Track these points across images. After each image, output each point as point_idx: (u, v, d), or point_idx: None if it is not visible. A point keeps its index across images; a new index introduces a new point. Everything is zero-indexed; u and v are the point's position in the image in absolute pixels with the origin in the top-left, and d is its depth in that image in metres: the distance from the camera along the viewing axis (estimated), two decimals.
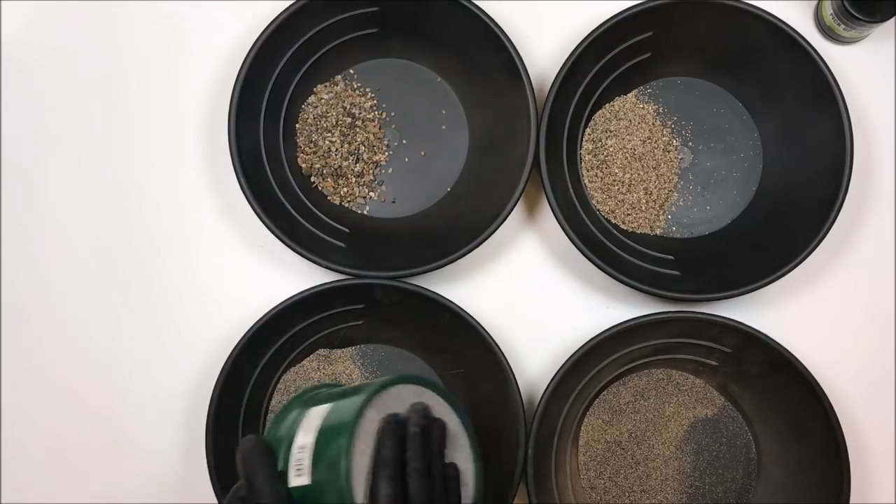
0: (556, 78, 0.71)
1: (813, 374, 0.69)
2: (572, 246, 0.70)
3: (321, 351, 0.75)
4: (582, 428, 0.74)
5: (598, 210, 0.75)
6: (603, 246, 0.72)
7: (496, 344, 0.70)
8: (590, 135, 0.75)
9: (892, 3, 0.70)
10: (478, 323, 0.71)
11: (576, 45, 0.71)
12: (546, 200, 0.70)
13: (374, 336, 0.75)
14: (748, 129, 0.76)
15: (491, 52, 0.72)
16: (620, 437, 0.74)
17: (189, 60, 0.77)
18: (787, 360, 0.69)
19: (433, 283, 0.74)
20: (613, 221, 0.75)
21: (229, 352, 0.70)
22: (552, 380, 0.69)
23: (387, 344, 0.76)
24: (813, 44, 0.70)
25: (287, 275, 0.76)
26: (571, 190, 0.73)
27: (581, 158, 0.75)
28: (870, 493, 0.73)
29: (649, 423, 0.74)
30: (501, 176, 0.72)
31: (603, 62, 0.73)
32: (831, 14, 0.73)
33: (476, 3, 0.71)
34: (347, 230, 0.75)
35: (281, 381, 0.74)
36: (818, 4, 0.76)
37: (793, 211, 0.72)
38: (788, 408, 0.71)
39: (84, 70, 0.77)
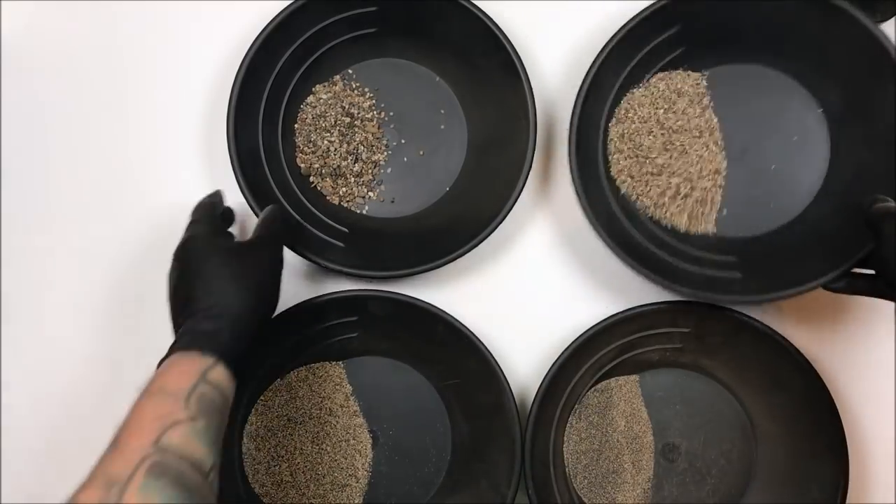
0: (576, 101, 0.68)
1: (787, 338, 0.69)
2: (569, 248, 0.69)
3: (315, 364, 0.75)
4: (573, 429, 0.74)
5: (645, 212, 0.71)
6: (646, 250, 0.69)
7: (491, 354, 0.70)
8: (620, 131, 0.72)
9: (893, 3, 0.70)
10: (472, 333, 0.70)
11: (595, 54, 0.68)
12: (544, 201, 0.70)
13: (368, 348, 0.75)
14: (809, 108, 0.70)
15: (489, 52, 0.72)
16: (614, 433, 0.74)
17: (188, 60, 0.77)
18: (743, 323, 0.70)
19: (428, 287, 0.74)
20: (674, 225, 0.71)
21: None
22: (538, 391, 0.69)
23: (381, 356, 0.75)
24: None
25: (286, 275, 0.75)
26: (611, 197, 0.71)
27: (612, 159, 0.72)
28: (863, 424, 0.74)
29: (636, 417, 0.74)
30: (500, 175, 0.72)
31: (630, 66, 0.70)
32: None
33: (475, 2, 0.71)
34: (346, 230, 0.75)
35: (268, 390, 0.74)
36: None
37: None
38: (760, 364, 0.72)
39: (84, 70, 0.77)
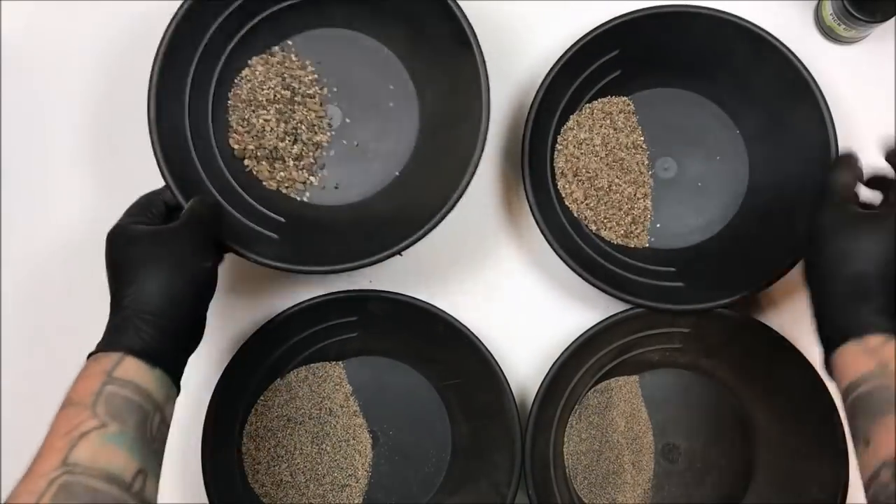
0: (527, 119, 0.69)
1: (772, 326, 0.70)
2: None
3: (314, 364, 0.74)
4: (573, 430, 0.74)
5: (588, 227, 0.74)
6: (598, 264, 0.71)
7: (491, 354, 0.70)
8: (565, 151, 0.73)
9: (893, 3, 0.70)
10: (472, 333, 0.70)
11: (542, 78, 0.69)
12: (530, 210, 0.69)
13: (368, 348, 0.75)
14: (729, 130, 0.75)
15: (439, 20, 0.66)
16: (614, 434, 0.74)
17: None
18: (743, 323, 0.70)
19: (427, 288, 0.74)
20: (608, 239, 0.74)
21: (223, 365, 0.69)
22: (538, 392, 0.69)
23: (380, 356, 0.75)
24: (811, 43, 0.69)
25: (286, 275, 0.75)
26: (560, 211, 0.72)
27: (559, 174, 0.74)
28: None
29: (636, 418, 0.74)
30: (452, 159, 0.66)
31: (573, 88, 0.72)
32: (831, 14, 0.73)
33: None
34: (283, 219, 0.69)
35: (268, 390, 0.73)
36: (818, 4, 0.75)
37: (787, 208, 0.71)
38: (760, 365, 0.72)
39: (84, 69, 0.77)
